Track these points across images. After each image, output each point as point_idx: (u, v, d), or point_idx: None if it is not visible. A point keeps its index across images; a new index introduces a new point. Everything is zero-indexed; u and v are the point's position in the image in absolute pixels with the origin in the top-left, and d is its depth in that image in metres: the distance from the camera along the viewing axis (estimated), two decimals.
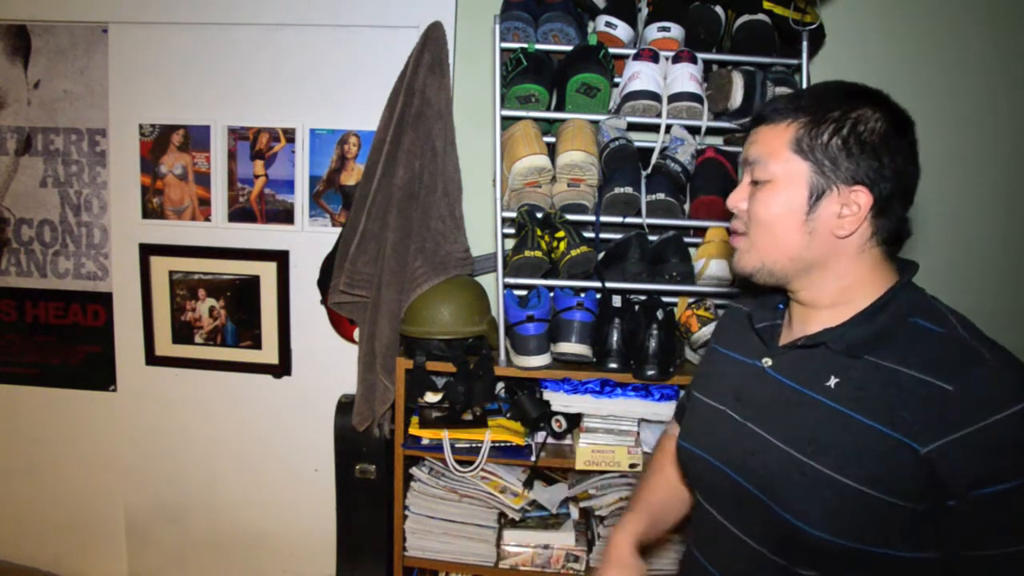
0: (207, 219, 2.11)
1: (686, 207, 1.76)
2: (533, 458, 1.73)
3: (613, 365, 1.65)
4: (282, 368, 2.15)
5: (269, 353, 2.14)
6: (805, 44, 1.66)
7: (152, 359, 2.18)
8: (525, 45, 1.67)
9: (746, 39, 1.70)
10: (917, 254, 2.00)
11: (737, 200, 0.92)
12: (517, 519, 1.78)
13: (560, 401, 1.72)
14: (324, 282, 1.97)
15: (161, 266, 2.13)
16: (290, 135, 2.05)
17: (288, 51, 2.01)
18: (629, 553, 1.02)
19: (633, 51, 1.67)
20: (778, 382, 0.91)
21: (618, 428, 1.70)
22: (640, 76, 1.65)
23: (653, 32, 1.70)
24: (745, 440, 0.91)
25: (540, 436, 1.75)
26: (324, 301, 1.98)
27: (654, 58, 1.65)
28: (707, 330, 1.65)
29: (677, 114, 1.67)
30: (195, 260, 2.12)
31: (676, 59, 1.65)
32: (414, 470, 1.83)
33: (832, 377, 0.85)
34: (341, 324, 2.04)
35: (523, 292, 1.78)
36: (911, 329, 0.83)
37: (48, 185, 2.14)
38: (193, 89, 2.06)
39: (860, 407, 0.81)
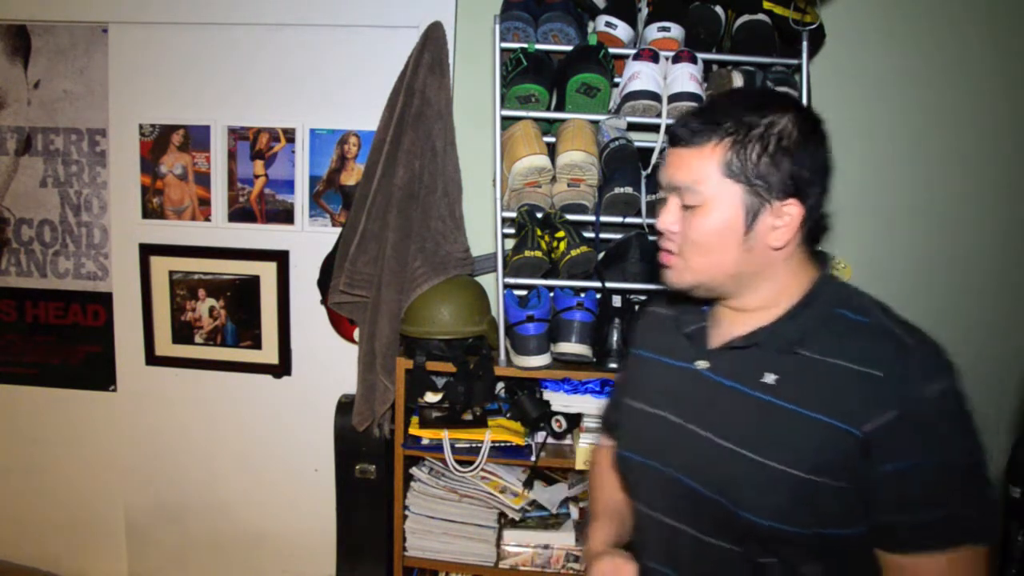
0: (207, 219, 2.11)
1: None
2: (533, 458, 1.73)
3: (613, 365, 1.65)
4: (282, 368, 2.15)
5: (269, 353, 2.14)
6: (805, 44, 1.66)
7: (152, 359, 2.18)
8: (525, 45, 1.67)
9: (746, 39, 1.70)
10: (918, 253, 2.02)
11: (669, 224, 0.92)
12: (517, 519, 1.78)
13: (560, 401, 1.72)
14: (324, 282, 1.97)
15: (161, 266, 2.13)
16: (290, 135, 2.05)
17: (288, 51, 2.01)
18: (611, 550, 1.02)
19: (633, 51, 1.67)
20: (716, 383, 0.92)
21: None
22: (640, 76, 1.65)
23: (653, 32, 1.70)
24: (690, 442, 0.92)
25: (540, 436, 1.75)
26: (324, 301, 1.98)
27: (654, 58, 1.65)
28: None
29: (677, 114, 1.67)
30: (195, 260, 2.12)
31: (676, 59, 1.65)
32: (414, 470, 1.83)
33: (769, 375, 0.88)
34: (341, 324, 2.04)
35: (523, 292, 1.78)
36: (838, 321, 0.87)
37: (48, 185, 2.14)
38: (193, 89, 2.06)
39: (800, 401, 0.85)
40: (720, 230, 0.87)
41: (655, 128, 1.69)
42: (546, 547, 1.78)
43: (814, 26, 1.64)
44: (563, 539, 1.78)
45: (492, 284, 1.84)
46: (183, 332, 2.16)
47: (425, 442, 1.76)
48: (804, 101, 1.67)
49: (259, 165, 2.08)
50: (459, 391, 1.71)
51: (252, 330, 2.14)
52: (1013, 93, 1.91)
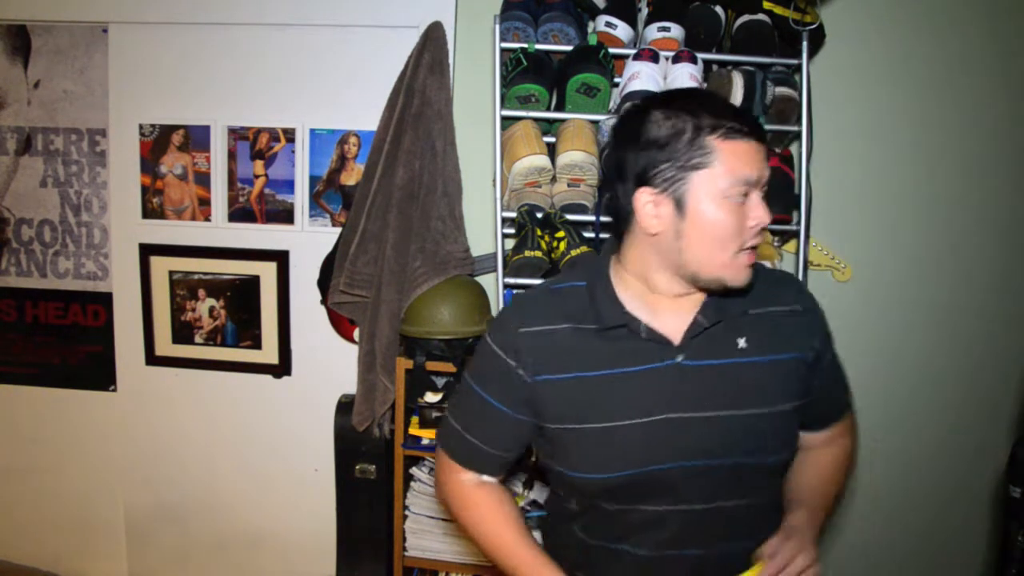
0: (207, 219, 2.11)
1: None
2: (533, 458, 1.72)
3: None
4: (282, 368, 2.15)
5: (269, 353, 2.14)
6: (805, 44, 1.66)
7: (152, 359, 2.18)
8: (525, 45, 1.67)
9: (746, 39, 1.70)
10: (918, 254, 2.01)
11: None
12: None
13: None
14: (324, 282, 1.97)
15: (161, 266, 2.13)
16: (290, 135, 2.05)
17: (288, 51, 2.01)
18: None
19: (633, 51, 1.67)
20: (698, 368, 0.97)
21: None
22: (640, 76, 1.65)
23: (653, 32, 1.70)
24: (697, 429, 0.96)
25: None
26: (324, 301, 1.98)
27: (654, 58, 1.65)
28: None
29: None
30: (195, 260, 2.12)
31: (676, 59, 1.65)
32: (414, 470, 1.83)
33: (740, 339, 0.98)
34: (341, 324, 2.04)
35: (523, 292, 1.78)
36: (755, 277, 0.98)
37: (48, 185, 2.14)
38: (193, 89, 2.06)
39: (768, 350, 0.99)
40: None
41: None
42: None
43: (814, 26, 1.64)
44: None
45: (492, 284, 1.84)
46: (183, 332, 2.16)
47: (425, 442, 1.76)
48: (804, 101, 1.68)
49: (259, 165, 2.08)
50: None
51: (252, 330, 2.14)
52: (1014, 92, 1.91)
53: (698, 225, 0.90)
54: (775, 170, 1.70)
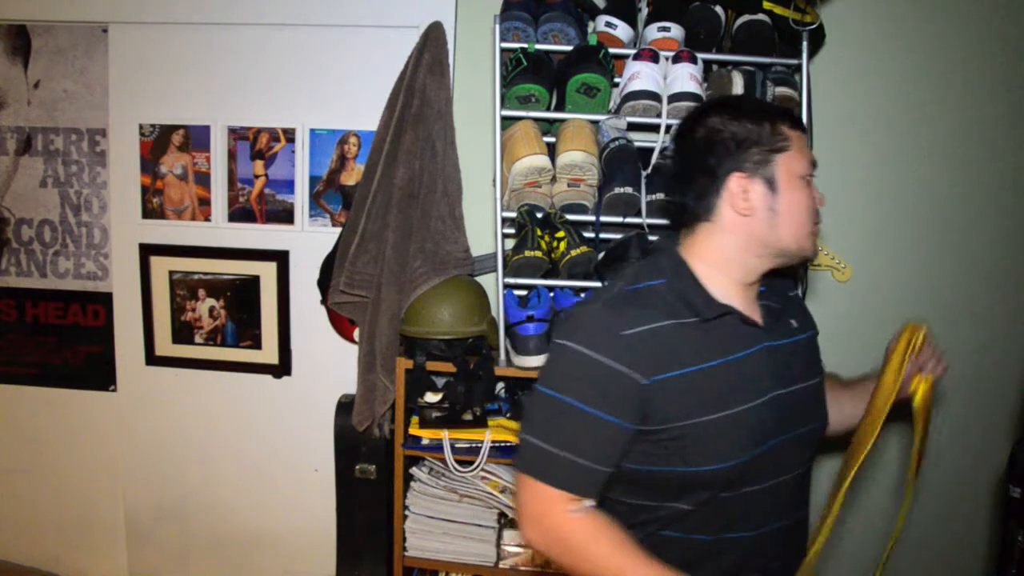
0: (207, 219, 2.11)
1: None
2: None
3: None
4: (282, 368, 2.15)
5: (269, 353, 2.14)
6: (805, 44, 1.66)
7: (152, 359, 2.18)
8: (525, 45, 1.67)
9: (746, 39, 1.70)
10: (918, 253, 2.01)
11: None
12: None
13: None
14: (324, 282, 1.97)
15: (161, 266, 2.13)
16: (290, 135, 2.05)
17: (288, 51, 2.01)
18: None
19: (633, 51, 1.67)
20: (780, 347, 1.08)
21: None
22: (640, 76, 1.65)
23: (653, 32, 1.70)
24: (790, 402, 1.06)
25: None
26: (324, 301, 1.98)
27: (654, 58, 1.65)
28: None
29: (677, 114, 1.67)
30: (195, 260, 2.12)
31: (676, 59, 1.65)
32: (414, 470, 1.83)
33: (792, 320, 1.13)
34: (341, 324, 2.04)
35: (523, 292, 1.78)
36: None
37: (48, 185, 2.14)
38: (193, 89, 2.06)
39: (806, 327, 1.17)
40: None
41: (655, 128, 1.69)
42: None
43: (814, 26, 1.64)
44: None
45: (492, 284, 1.84)
46: (183, 332, 2.16)
47: (425, 442, 1.76)
48: (804, 101, 1.68)
49: (259, 165, 2.08)
50: (459, 391, 1.71)
51: (252, 330, 2.14)
52: (1015, 92, 1.91)
53: (788, 200, 1.02)
54: None
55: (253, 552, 2.24)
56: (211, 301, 2.14)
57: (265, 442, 2.18)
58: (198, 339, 2.16)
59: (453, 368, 1.72)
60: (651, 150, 1.72)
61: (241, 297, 2.13)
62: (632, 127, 1.74)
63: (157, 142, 2.09)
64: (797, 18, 1.63)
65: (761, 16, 1.68)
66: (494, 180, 1.77)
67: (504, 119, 1.71)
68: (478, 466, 1.72)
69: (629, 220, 1.71)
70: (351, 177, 2.05)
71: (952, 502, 2.06)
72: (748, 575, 1.07)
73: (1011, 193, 1.95)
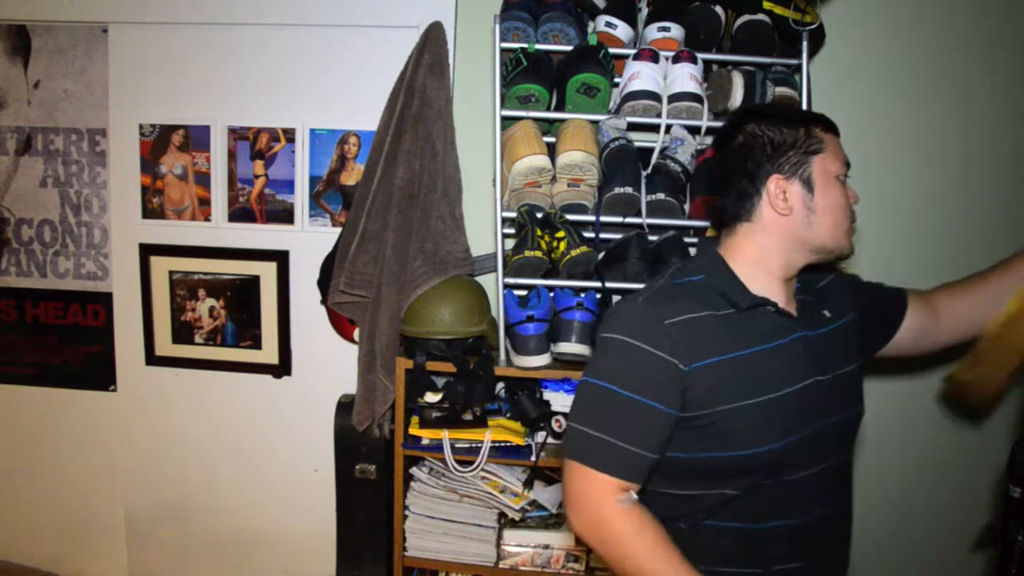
0: (207, 219, 2.11)
1: (686, 207, 1.77)
2: (533, 458, 1.73)
3: None
4: (282, 368, 2.15)
5: (269, 353, 2.14)
6: (805, 44, 1.66)
7: (152, 359, 2.18)
8: (525, 45, 1.67)
9: (746, 39, 1.70)
10: (918, 253, 2.01)
11: None
12: (517, 519, 1.78)
13: (560, 401, 1.72)
14: (324, 282, 1.97)
15: (161, 266, 2.13)
16: (290, 135, 2.05)
17: (288, 51, 2.01)
18: None
19: (633, 51, 1.67)
20: (814, 336, 1.11)
21: None
22: (640, 76, 1.65)
23: (653, 32, 1.70)
24: (824, 390, 1.09)
25: (540, 436, 1.75)
26: (324, 301, 1.98)
27: (654, 58, 1.65)
28: None
29: (677, 114, 1.67)
30: (195, 260, 2.12)
31: (676, 59, 1.65)
32: (414, 470, 1.83)
33: (825, 311, 1.16)
34: (341, 324, 2.04)
35: (523, 292, 1.78)
36: None
37: (48, 185, 2.14)
38: (193, 89, 2.06)
39: (839, 315, 1.18)
40: None
41: (655, 128, 1.69)
42: (546, 547, 1.78)
43: (814, 26, 1.64)
44: (563, 539, 1.78)
45: (492, 284, 1.84)
46: (183, 332, 2.16)
47: (425, 442, 1.76)
48: (804, 101, 1.68)
49: (259, 165, 2.08)
50: (459, 391, 1.71)
51: (252, 330, 2.14)
52: (1016, 92, 1.91)
53: (824, 199, 1.07)
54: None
55: (253, 552, 2.24)
56: (211, 301, 2.14)
57: (265, 442, 2.18)
58: (198, 339, 2.16)
59: (453, 368, 1.72)
60: (651, 150, 1.72)
61: (241, 297, 2.13)
62: (632, 127, 1.74)
63: (157, 142, 2.09)
64: (797, 18, 1.63)
65: (761, 16, 1.68)
66: (494, 180, 1.77)
67: (504, 119, 1.71)
68: (478, 466, 1.72)
69: (629, 220, 1.71)
70: (351, 177, 2.05)
71: (952, 502, 2.06)
72: (791, 563, 1.08)
73: (1011, 195, 1.95)
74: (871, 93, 1.91)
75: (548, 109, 1.74)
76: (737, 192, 1.11)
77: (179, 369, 2.17)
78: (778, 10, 1.65)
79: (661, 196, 1.66)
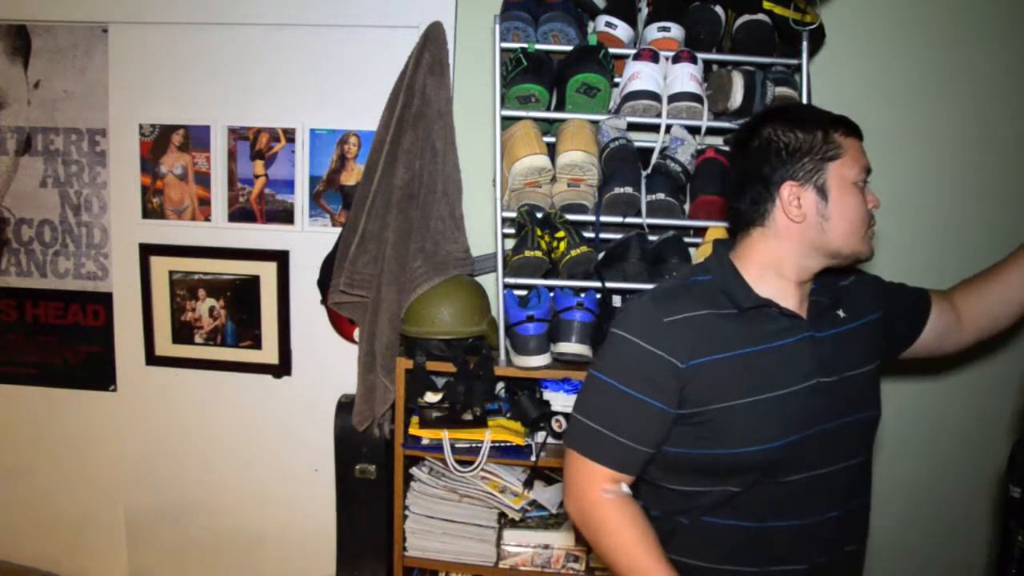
0: (207, 219, 2.10)
1: (686, 207, 1.77)
2: (533, 458, 1.73)
3: None
4: (282, 368, 2.15)
5: (269, 353, 2.14)
6: (805, 44, 1.66)
7: (152, 359, 2.18)
8: (525, 45, 1.67)
9: (746, 39, 1.70)
10: (919, 254, 2.01)
11: None
12: (517, 519, 1.78)
13: (560, 401, 1.72)
14: (324, 282, 1.97)
15: (161, 266, 2.13)
16: (290, 135, 2.05)
17: (288, 51, 2.01)
18: None
19: (633, 51, 1.67)
20: (823, 337, 1.11)
21: None
22: (640, 76, 1.65)
23: (653, 32, 1.70)
24: (831, 391, 1.08)
25: (540, 436, 1.75)
26: (324, 301, 1.98)
27: (654, 58, 1.65)
28: None
29: (677, 114, 1.67)
30: (195, 260, 2.12)
31: (676, 59, 1.65)
32: (414, 470, 1.83)
33: (840, 311, 1.15)
34: (341, 324, 2.04)
35: (523, 292, 1.78)
36: None
37: (48, 185, 2.14)
38: (193, 89, 2.06)
39: (856, 316, 1.16)
40: None
41: (655, 128, 1.69)
42: (546, 547, 1.78)
43: (814, 26, 1.64)
44: (563, 539, 1.78)
45: (492, 284, 1.84)
46: (183, 332, 2.16)
47: (425, 442, 1.76)
48: (804, 101, 1.68)
49: (259, 165, 2.08)
50: (459, 391, 1.71)
51: (252, 330, 2.14)
52: (1017, 91, 1.91)
53: (840, 206, 1.05)
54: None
55: (253, 552, 2.24)
56: (211, 301, 2.14)
57: (265, 442, 2.18)
58: (198, 339, 2.16)
59: (453, 368, 1.72)
60: (651, 150, 1.72)
61: (241, 297, 2.13)
62: (632, 127, 1.74)
63: (157, 142, 2.09)
64: (797, 18, 1.63)
65: (761, 16, 1.68)
66: (494, 180, 1.77)
67: (504, 119, 1.71)
68: (478, 466, 1.72)
69: (629, 220, 1.71)
70: (351, 177, 2.05)
71: (952, 502, 2.06)
72: (794, 565, 1.08)
73: (1014, 192, 1.94)
74: (871, 93, 1.91)
75: (548, 109, 1.74)
76: (751, 197, 1.11)
77: (179, 369, 2.17)
78: (778, 10, 1.65)
79: (661, 196, 1.66)
